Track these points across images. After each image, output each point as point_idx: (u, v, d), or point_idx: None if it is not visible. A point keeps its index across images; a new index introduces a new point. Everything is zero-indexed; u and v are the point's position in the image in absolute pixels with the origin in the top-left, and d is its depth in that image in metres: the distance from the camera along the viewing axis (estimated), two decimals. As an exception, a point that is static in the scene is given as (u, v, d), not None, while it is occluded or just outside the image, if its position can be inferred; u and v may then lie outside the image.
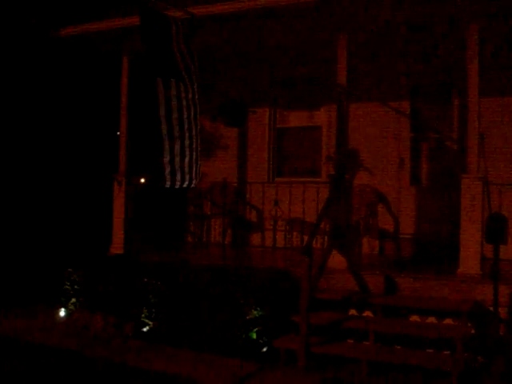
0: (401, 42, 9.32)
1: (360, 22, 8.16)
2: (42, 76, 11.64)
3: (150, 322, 7.97)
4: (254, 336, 7.14)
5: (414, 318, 7.00)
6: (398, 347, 6.71)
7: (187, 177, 7.44)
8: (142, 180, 10.00)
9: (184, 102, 7.42)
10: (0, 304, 9.20)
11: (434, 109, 9.67)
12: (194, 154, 7.54)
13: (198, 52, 7.72)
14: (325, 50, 8.75)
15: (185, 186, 7.48)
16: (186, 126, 7.42)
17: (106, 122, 10.98)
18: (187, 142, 7.42)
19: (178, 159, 7.28)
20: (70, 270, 8.85)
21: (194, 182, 7.58)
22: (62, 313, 8.83)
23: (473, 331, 6.66)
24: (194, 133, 7.53)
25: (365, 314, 7.25)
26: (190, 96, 7.51)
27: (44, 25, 9.98)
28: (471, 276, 7.10)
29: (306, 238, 9.06)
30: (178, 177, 7.31)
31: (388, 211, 9.76)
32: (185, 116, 7.42)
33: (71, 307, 8.78)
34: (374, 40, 9.07)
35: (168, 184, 7.22)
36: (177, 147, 7.28)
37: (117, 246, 9.44)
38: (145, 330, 7.98)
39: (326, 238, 8.37)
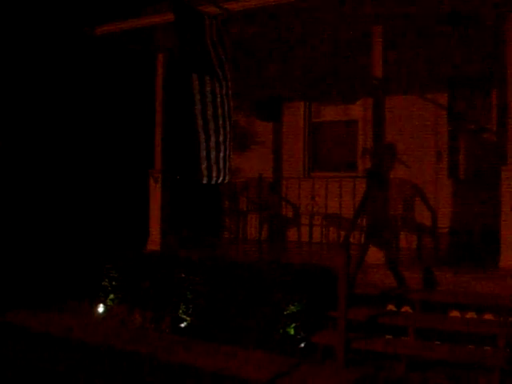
0: (437, 32, 9.16)
1: (396, 12, 8.03)
2: (79, 73, 11.77)
3: (188, 318, 8.01)
4: (292, 331, 7.11)
5: (454, 313, 6.89)
6: (438, 343, 6.61)
7: (222, 172, 7.47)
8: (177, 176, 10.04)
9: (218, 98, 7.43)
10: (40, 301, 9.32)
11: (472, 100, 9.52)
12: (228, 149, 7.57)
13: (231, 47, 7.72)
14: (360, 42, 8.66)
15: (219, 181, 7.50)
16: (220, 122, 7.44)
17: (142, 119, 11.03)
18: (221, 138, 7.44)
19: (213, 155, 7.31)
20: (108, 266, 8.94)
21: (227, 177, 7.61)
22: (101, 309, 8.92)
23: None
24: (227, 128, 7.55)
25: (403, 310, 7.16)
26: (224, 91, 7.52)
27: (80, 23, 10.06)
28: (513, 270, 6.98)
29: (342, 232, 9.01)
30: (214, 172, 7.34)
31: (425, 205, 9.64)
32: (219, 111, 7.44)
33: (109, 303, 8.87)
34: (410, 31, 8.94)
35: (205, 180, 7.25)
36: (212, 143, 7.30)
37: (153, 242, 9.49)
38: (182, 325, 8.02)
39: (363, 232, 8.29)
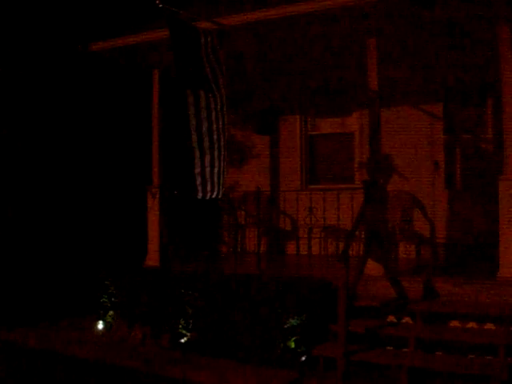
0: (432, 43, 9.21)
1: (390, 25, 8.09)
2: (76, 91, 11.78)
3: (188, 333, 7.98)
4: (293, 345, 7.09)
5: (454, 323, 6.88)
6: (439, 353, 6.60)
7: (216, 187, 7.49)
8: (175, 191, 10.04)
9: (213, 113, 7.46)
10: (38, 317, 9.29)
11: (467, 111, 9.54)
12: (222, 164, 7.60)
13: (227, 61, 7.75)
14: (355, 55, 8.71)
15: (214, 196, 7.52)
16: (215, 137, 7.47)
17: (139, 135, 11.04)
18: (216, 153, 7.47)
19: (208, 170, 7.33)
20: (107, 282, 8.92)
21: (221, 192, 7.63)
22: (100, 325, 8.89)
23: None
24: (222, 143, 7.59)
25: (404, 321, 7.15)
26: (219, 107, 7.55)
27: (74, 40, 10.11)
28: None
29: (341, 245, 9.01)
30: (209, 187, 7.37)
31: (423, 215, 9.65)
32: (214, 127, 7.47)
33: (109, 319, 8.84)
34: (405, 43, 8.98)
35: (200, 195, 7.27)
36: (207, 158, 7.32)
37: (152, 258, 9.48)
38: (182, 341, 8.00)
39: (361, 244, 8.29)
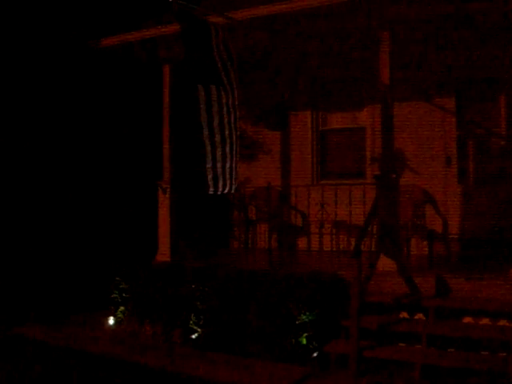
0: (445, 38, 9.13)
1: (403, 18, 8.00)
2: (87, 87, 11.78)
3: (199, 329, 7.96)
4: (304, 341, 7.06)
5: (467, 319, 6.83)
6: (452, 350, 6.54)
7: (228, 182, 7.44)
8: (186, 187, 10.02)
9: (225, 108, 7.41)
10: (50, 313, 9.30)
11: (480, 105, 9.46)
12: (234, 159, 7.55)
13: (238, 56, 7.71)
14: (367, 49, 8.64)
15: (226, 191, 7.47)
16: (226, 132, 7.41)
17: (150, 130, 11.03)
18: (228, 148, 7.42)
19: (219, 165, 7.28)
20: (117, 278, 8.92)
21: (233, 187, 7.58)
22: (111, 321, 8.90)
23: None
24: (234, 138, 7.53)
25: (416, 317, 7.10)
26: (231, 101, 7.50)
27: (84, 36, 10.10)
28: (526, 275, 6.91)
29: (352, 240, 8.95)
30: (220, 183, 7.31)
31: (436, 211, 9.58)
32: (225, 121, 7.42)
33: (120, 315, 8.84)
34: (418, 37, 8.90)
35: (211, 190, 7.22)
36: (218, 153, 7.27)
37: (163, 254, 9.46)
38: (193, 336, 7.98)
39: (373, 240, 8.23)
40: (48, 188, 11.23)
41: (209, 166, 7.16)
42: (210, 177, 7.18)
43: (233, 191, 7.66)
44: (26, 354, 7.64)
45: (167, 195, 9.47)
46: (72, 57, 11.53)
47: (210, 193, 7.24)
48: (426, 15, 7.92)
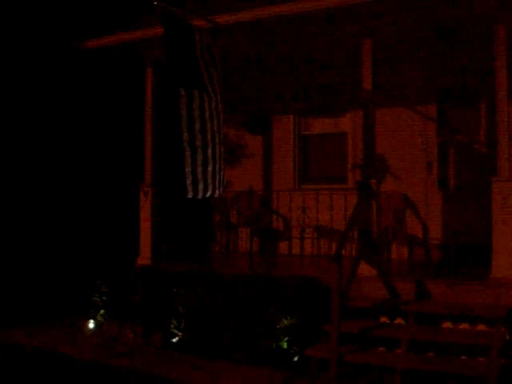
0: (426, 45, 9.22)
1: (385, 27, 8.07)
2: (69, 89, 11.73)
3: (179, 333, 7.95)
4: (285, 345, 7.07)
5: (447, 324, 6.89)
6: (431, 354, 6.60)
7: (210, 187, 7.39)
8: (167, 190, 10.00)
9: (207, 112, 7.38)
10: (30, 317, 9.24)
11: (461, 112, 9.54)
12: (218, 163, 7.50)
13: (221, 60, 7.71)
14: (349, 55, 8.70)
15: (207, 196, 7.43)
16: (209, 136, 7.38)
17: (132, 133, 11.00)
18: (210, 152, 7.37)
19: (200, 169, 7.22)
20: (98, 281, 8.88)
21: (217, 191, 7.53)
22: (91, 324, 8.85)
23: (507, 337, 6.52)
24: (217, 142, 7.49)
25: (396, 322, 7.14)
26: (214, 105, 7.48)
27: (67, 38, 10.06)
28: (504, 281, 6.97)
29: (334, 245, 8.99)
30: (201, 187, 7.25)
31: (416, 216, 9.65)
32: (208, 126, 7.38)
33: (100, 318, 8.79)
34: (399, 44, 8.98)
35: (190, 194, 7.15)
36: (199, 157, 7.22)
37: (144, 257, 9.42)
38: (174, 340, 7.96)
39: (354, 245, 8.27)
40: (29, 191, 11.16)
41: (188, 170, 7.08)
42: (188, 181, 7.10)
43: (216, 195, 7.62)
44: (1, 358, 7.59)
45: (148, 198, 9.43)
46: (55, 58, 11.48)
47: (189, 197, 7.17)
48: (408, 24, 8.01)
